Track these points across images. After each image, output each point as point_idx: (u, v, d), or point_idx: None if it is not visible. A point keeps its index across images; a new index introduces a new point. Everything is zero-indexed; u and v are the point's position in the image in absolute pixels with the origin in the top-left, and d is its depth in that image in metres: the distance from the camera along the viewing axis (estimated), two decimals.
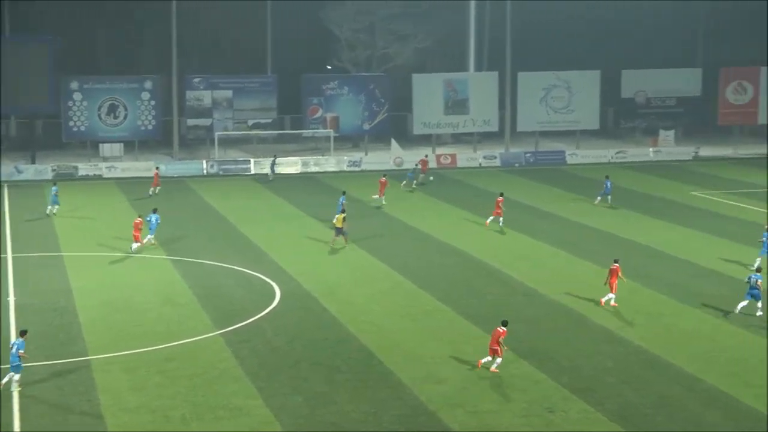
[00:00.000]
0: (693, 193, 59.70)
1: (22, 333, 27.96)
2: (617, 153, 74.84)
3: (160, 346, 30.80)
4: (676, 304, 35.42)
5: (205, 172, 68.08)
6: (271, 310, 34.91)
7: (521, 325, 32.91)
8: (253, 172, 68.64)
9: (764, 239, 40.04)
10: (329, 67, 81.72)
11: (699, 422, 25.25)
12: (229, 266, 41.22)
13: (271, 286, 38.12)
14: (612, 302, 34.93)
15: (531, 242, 45.96)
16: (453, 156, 72.15)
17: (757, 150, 78.51)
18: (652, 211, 53.62)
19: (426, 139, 77.07)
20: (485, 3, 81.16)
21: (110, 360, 29.60)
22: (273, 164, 66.26)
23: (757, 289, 33.77)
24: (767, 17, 79.07)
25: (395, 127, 77.54)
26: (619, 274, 34.97)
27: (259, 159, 70.15)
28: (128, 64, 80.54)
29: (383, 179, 55.66)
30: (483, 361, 28.85)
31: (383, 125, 75.63)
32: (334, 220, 45.21)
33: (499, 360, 28.71)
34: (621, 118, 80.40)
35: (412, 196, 57.48)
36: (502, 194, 49.97)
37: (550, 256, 43.34)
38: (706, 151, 76.13)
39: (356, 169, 70.33)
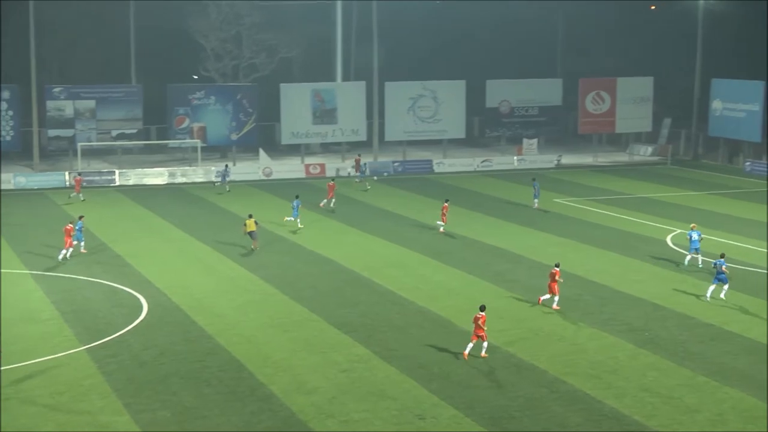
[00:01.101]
0: (555, 200, 61.30)
1: None
2: (483, 161, 76.23)
3: (20, 365, 29.83)
4: (539, 308, 36.31)
5: (67, 184, 66.20)
6: (138, 324, 34.26)
7: (391, 333, 33.28)
8: (117, 183, 67.21)
9: (689, 237, 42.30)
10: (195, 77, 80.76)
11: (563, 423, 25.97)
12: (94, 280, 40.26)
13: (138, 299, 37.42)
14: (554, 305, 35.93)
15: (400, 250, 46.39)
16: (322, 166, 72.28)
17: (615, 158, 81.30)
18: (515, 217, 54.83)
19: (295, 149, 76.99)
20: (352, 9, 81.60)
21: None
22: (225, 172, 64.98)
23: (724, 273, 36.45)
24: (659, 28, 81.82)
25: (263, 137, 77.20)
26: (557, 276, 36.08)
27: (124, 170, 68.76)
28: None
29: (331, 183, 57.13)
30: (467, 352, 30.36)
31: (251, 135, 75.18)
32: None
33: (483, 344, 30.38)
34: (486, 127, 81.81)
35: (280, 206, 57.16)
36: (447, 201, 50.94)
37: (418, 263, 43.84)
38: (567, 159, 78.33)
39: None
